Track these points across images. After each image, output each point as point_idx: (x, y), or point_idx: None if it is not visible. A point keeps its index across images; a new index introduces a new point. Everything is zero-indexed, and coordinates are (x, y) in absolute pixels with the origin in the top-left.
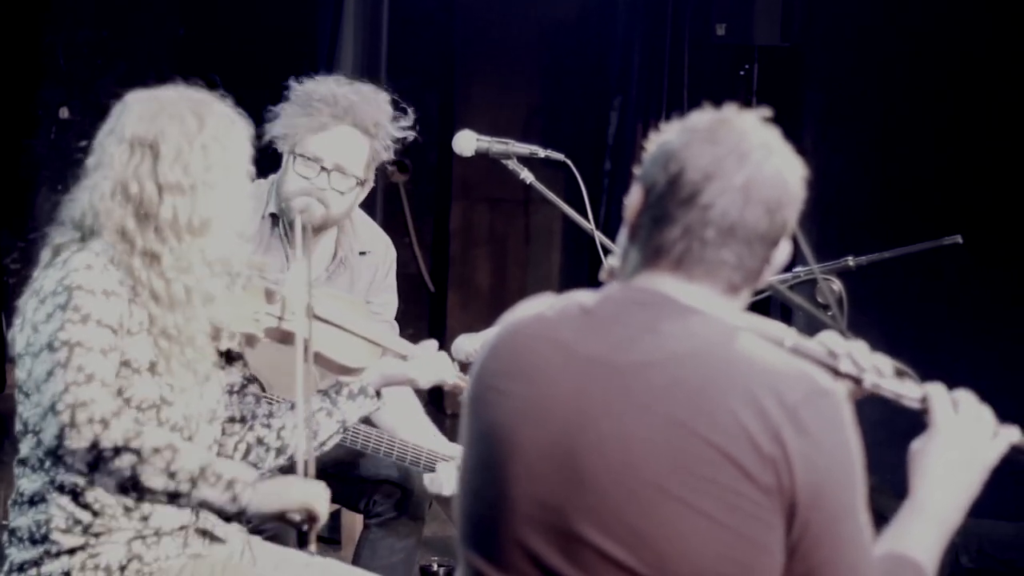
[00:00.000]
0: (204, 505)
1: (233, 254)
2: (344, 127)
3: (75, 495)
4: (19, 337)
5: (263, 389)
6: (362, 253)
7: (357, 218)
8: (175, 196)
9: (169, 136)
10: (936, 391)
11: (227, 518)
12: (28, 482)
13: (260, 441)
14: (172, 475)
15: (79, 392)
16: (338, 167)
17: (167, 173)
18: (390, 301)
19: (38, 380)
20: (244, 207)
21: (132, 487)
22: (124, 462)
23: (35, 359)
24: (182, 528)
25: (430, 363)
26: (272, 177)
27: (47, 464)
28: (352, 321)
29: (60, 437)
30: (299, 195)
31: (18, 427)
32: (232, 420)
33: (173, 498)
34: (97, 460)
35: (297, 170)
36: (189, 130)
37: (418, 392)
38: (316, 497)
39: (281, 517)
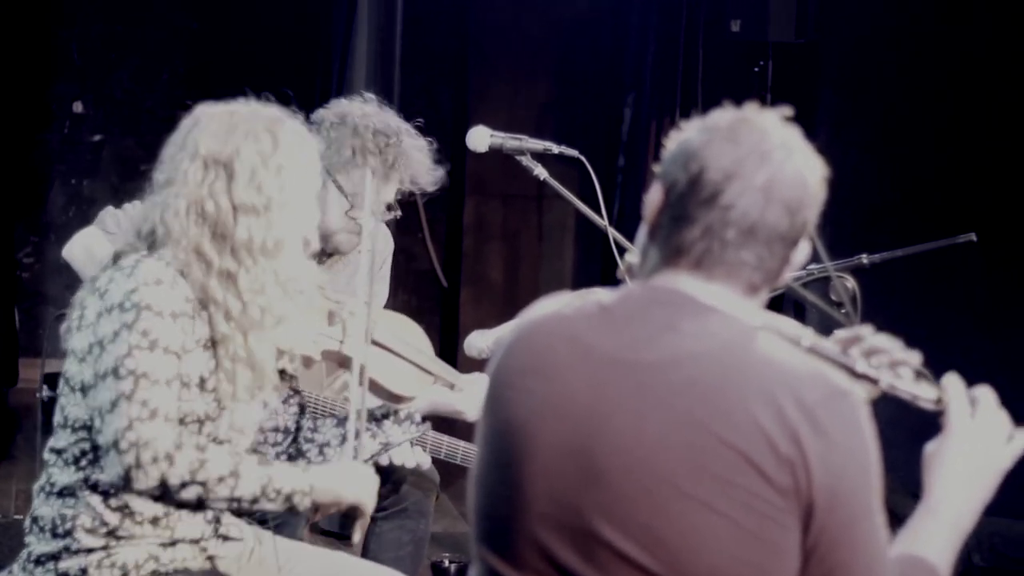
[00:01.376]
0: (257, 513)
1: (304, 274)
2: (390, 180)
3: (107, 496)
4: (77, 336)
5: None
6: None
7: None
8: (250, 216)
9: (244, 155)
10: (954, 390)
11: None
12: (60, 473)
13: (302, 454)
14: (236, 499)
15: (143, 430)
16: (381, 209)
17: (242, 193)
18: (381, 291)
19: (102, 407)
20: (314, 226)
21: (197, 509)
22: (191, 493)
23: (100, 381)
24: (200, 539)
25: (479, 395)
26: None
27: (83, 462)
28: (407, 348)
29: (126, 478)
30: (343, 231)
31: (58, 418)
32: (276, 430)
33: (236, 513)
34: (164, 494)
35: (343, 207)
36: (264, 149)
37: None
38: (367, 495)
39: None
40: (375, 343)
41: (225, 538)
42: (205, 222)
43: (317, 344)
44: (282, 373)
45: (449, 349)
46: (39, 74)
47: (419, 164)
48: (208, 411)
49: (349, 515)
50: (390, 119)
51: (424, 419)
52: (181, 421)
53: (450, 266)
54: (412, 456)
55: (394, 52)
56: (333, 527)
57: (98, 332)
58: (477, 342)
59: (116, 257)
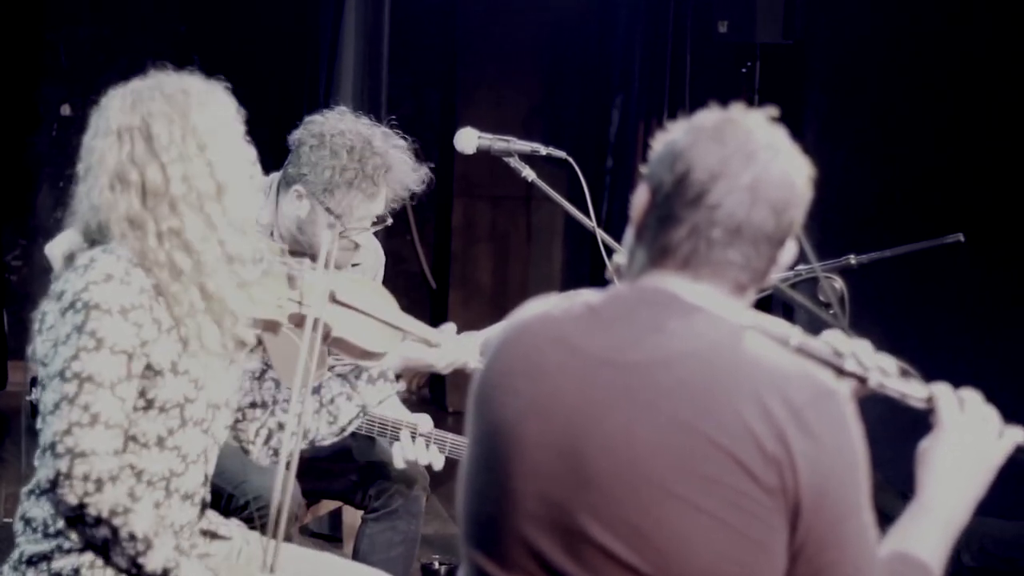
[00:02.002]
0: None
1: (256, 211)
2: (380, 197)
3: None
4: (39, 342)
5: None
6: (355, 265)
7: None
8: (183, 166)
9: (157, 114)
10: (942, 391)
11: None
12: (48, 473)
13: (281, 427)
14: (136, 566)
15: (81, 437)
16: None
17: (167, 147)
18: None
19: (46, 408)
20: (251, 161)
21: (95, 551)
22: (99, 532)
23: (49, 382)
24: (187, 524)
25: (451, 347)
26: (274, 176)
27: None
28: (374, 306)
29: (54, 482)
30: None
31: (40, 422)
32: (253, 405)
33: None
34: (77, 518)
35: (331, 226)
36: (176, 102)
37: (420, 392)
38: None
39: None
40: (340, 303)
41: (214, 536)
42: (131, 188)
43: (282, 309)
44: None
45: None
46: (27, 77)
47: (402, 170)
48: (187, 394)
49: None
50: (366, 131)
51: (398, 377)
52: (162, 408)
53: (439, 268)
54: (426, 454)
55: (381, 54)
56: (323, 529)
57: (55, 335)
58: None
59: (69, 258)
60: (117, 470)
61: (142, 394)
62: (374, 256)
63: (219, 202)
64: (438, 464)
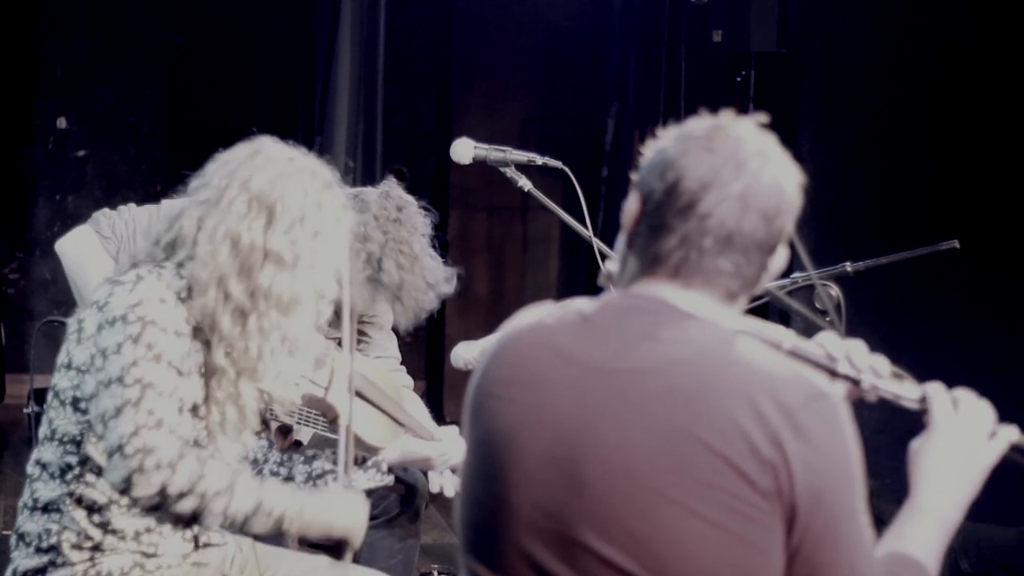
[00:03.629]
0: (246, 531)
1: (309, 339)
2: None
3: (91, 511)
4: (77, 349)
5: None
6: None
7: None
8: (276, 266)
9: (289, 205)
10: (935, 390)
11: None
12: (44, 488)
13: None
14: (228, 516)
15: (149, 437)
16: None
17: (276, 241)
18: (391, 347)
19: (105, 413)
20: (330, 298)
21: (191, 523)
22: (188, 504)
23: (104, 389)
24: (184, 556)
25: (450, 448)
26: None
27: (69, 476)
28: (383, 398)
29: (128, 481)
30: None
31: (45, 431)
32: (244, 459)
33: (226, 527)
34: (163, 503)
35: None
36: (308, 207)
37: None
38: (357, 526)
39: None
40: (358, 395)
41: (207, 545)
42: (237, 255)
43: (299, 387)
44: (264, 419)
45: (435, 361)
46: (22, 90)
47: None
48: (198, 439)
49: (338, 544)
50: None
51: (390, 470)
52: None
53: None
54: (451, 484)
55: (377, 65)
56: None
57: (99, 343)
58: (463, 353)
59: (133, 266)
60: (182, 450)
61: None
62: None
63: (285, 315)
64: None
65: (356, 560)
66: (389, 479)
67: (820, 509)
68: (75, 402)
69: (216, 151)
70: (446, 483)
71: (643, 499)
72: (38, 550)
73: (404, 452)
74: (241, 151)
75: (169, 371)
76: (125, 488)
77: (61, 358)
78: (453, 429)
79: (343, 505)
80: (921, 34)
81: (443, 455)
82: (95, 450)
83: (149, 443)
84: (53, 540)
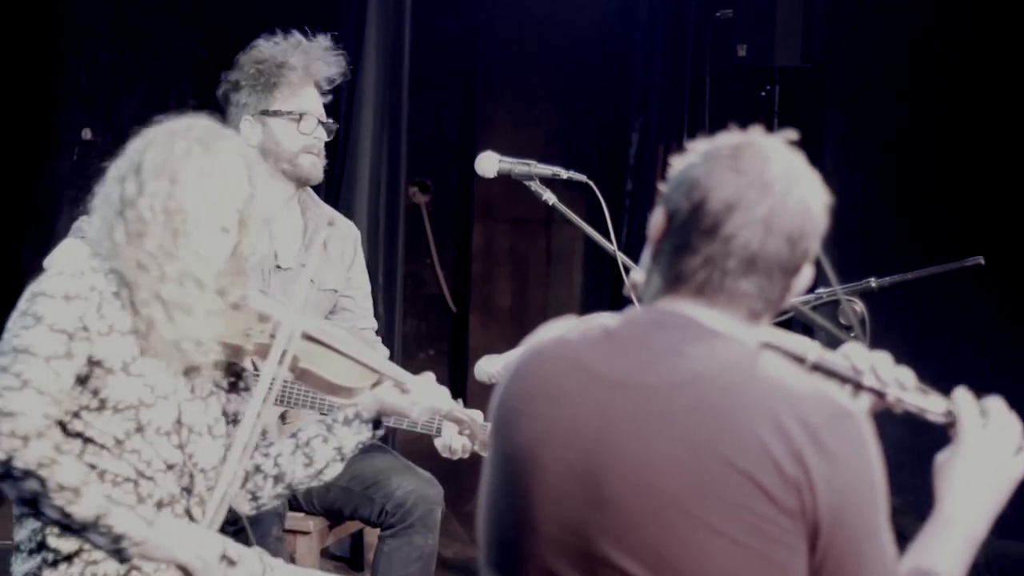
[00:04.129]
0: (90, 542)
1: (221, 253)
2: (308, 81)
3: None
4: None
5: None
6: (330, 223)
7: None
8: (158, 188)
9: (153, 156)
10: (964, 401)
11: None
12: (26, 524)
13: (258, 469)
14: (66, 515)
15: (10, 399)
16: (323, 119)
17: (151, 178)
18: (361, 278)
19: None
20: (225, 221)
21: (30, 507)
22: (28, 486)
23: None
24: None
25: (426, 395)
26: None
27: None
28: (347, 344)
29: None
30: (303, 153)
31: None
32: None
33: (64, 528)
34: (5, 474)
35: (291, 128)
36: (172, 151)
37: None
38: (203, 562)
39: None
40: (312, 339)
41: (231, 563)
42: (127, 220)
43: (250, 337)
44: (234, 384)
45: (458, 374)
46: (48, 101)
47: (315, 54)
48: (142, 397)
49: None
50: (269, 40)
51: (376, 423)
52: (115, 408)
53: (459, 291)
54: (460, 444)
55: (402, 78)
56: (345, 552)
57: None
58: (487, 367)
59: None
60: (44, 428)
61: (95, 393)
62: (347, 223)
63: (180, 239)
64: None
65: (374, 572)
66: (380, 432)
67: (843, 527)
68: None
69: None
70: (454, 442)
71: (666, 515)
72: (30, 553)
73: (380, 402)
74: (134, 142)
75: (52, 335)
76: None
77: None
78: (429, 376)
79: (195, 539)
80: (947, 49)
81: (419, 405)
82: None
83: (10, 407)
84: (39, 538)
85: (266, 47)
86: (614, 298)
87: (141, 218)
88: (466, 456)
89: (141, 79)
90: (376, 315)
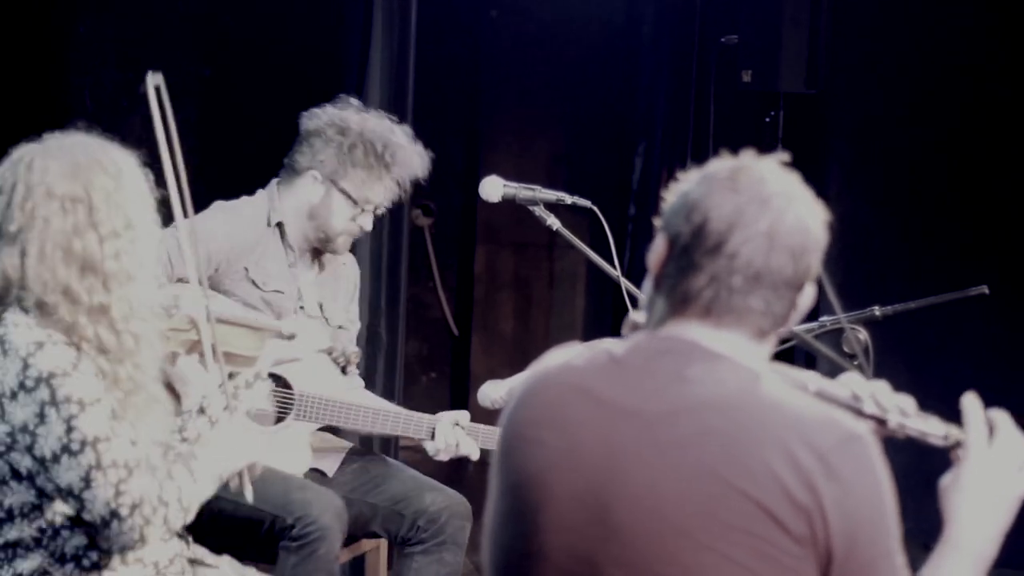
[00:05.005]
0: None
1: (156, 295)
2: (391, 178)
3: (78, 560)
4: None
5: None
6: (343, 264)
7: None
8: (116, 242)
9: (96, 184)
10: (972, 413)
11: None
12: (24, 561)
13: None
14: (202, 503)
15: (132, 489)
16: (379, 210)
17: (105, 221)
18: (357, 313)
19: (72, 487)
20: (159, 241)
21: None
22: (179, 520)
23: (54, 465)
24: (178, 563)
25: (309, 336)
26: (275, 183)
27: (45, 540)
28: (238, 314)
29: (142, 536)
30: (343, 234)
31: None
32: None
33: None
34: (169, 531)
35: (348, 212)
36: (111, 175)
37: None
38: (255, 449)
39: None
40: (220, 320)
41: (201, 564)
42: (73, 260)
43: (171, 340)
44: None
45: (460, 397)
46: (51, 120)
47: (410, 153)
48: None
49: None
50: (374, 118)
51: (271, 376)
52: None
53: (461, 315)
54: (466, 440)
55: (406, 102)
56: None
57: (14, 421)
58: (491, 392)
59: None
60: (157, 481)
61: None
62: (352, 260)
63: (137, 282)
64: (475, 454)
65: None
66: (268, 383)
67: (857, 553)
68: (15, 475)
69: (245, 183)
70: (438, 442)
71: (674, 543)
72: None
73: (276, 359)
74: (14, 173)
75: (96, 408)
76: (140, 543)
77: None
78: (299, 322)
79: (250, 439)
80: (952, 76)
81: (304, 344)
82: (61, 504)
83: (135, 494)
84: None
85: (375, 124)
86: (617, 323)
87: (104, 280)
88: (452, 457)
89: (145, 98)
90: (378, 338)
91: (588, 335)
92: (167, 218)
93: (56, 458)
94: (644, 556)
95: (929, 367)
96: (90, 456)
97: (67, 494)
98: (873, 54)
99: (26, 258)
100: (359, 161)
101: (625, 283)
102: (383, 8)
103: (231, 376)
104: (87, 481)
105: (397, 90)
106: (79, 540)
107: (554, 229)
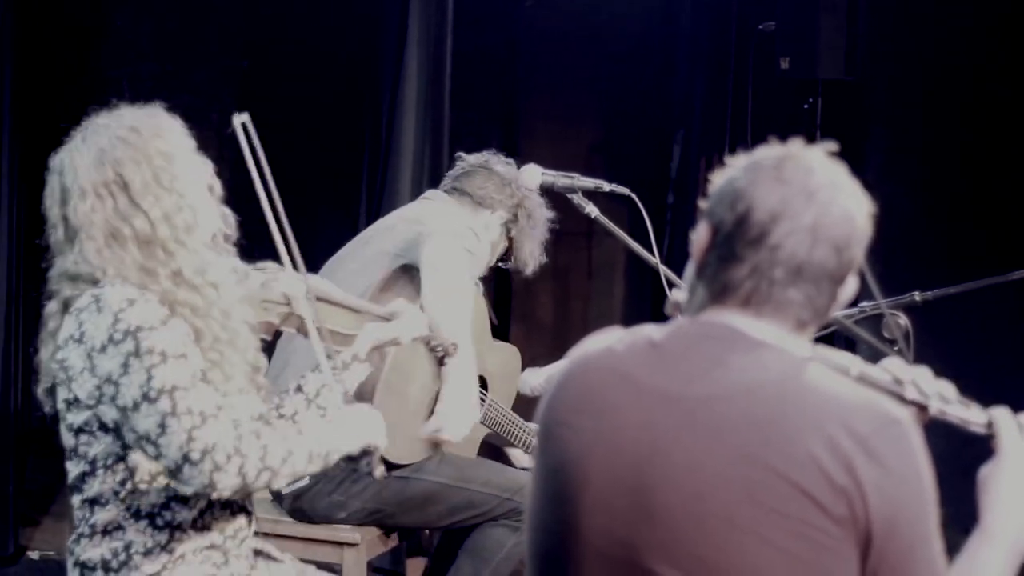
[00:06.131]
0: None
1: (218, 226)
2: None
3: (152, 518)
4: (76, 386)
5: None
6: None
7: None
8: (161, 206)
9: (124, 160)
10: (1002, 415)
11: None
12: (102, 514)
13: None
14: (295, 474)
15: (205, 435)
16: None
17: (144, 192)
18: None
19: (150, 434)
20: (209, 173)
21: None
22: (262, 481)
23: (133, 412)
24: (242, 536)
25: (410, 321)
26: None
27: (123, 493)
28: (338, 294)
29: (211, 483)
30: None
31: (83, 468)
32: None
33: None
34: (244, 487)
35: (500, 256)
36: (133, 143)
37: None
38: (380, 430)
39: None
40: (320, 299)
41: (268, 557)
42: (130, 241)
43: (268, 311)
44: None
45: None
46: (90, 113)
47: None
48: (219, 403)
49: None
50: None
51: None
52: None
53: (500, 303)
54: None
55: (443, 91)
56: (384, 564)
57: (99, 372)
58: (530, 380)
59: (65, 304)
60: (237, 433)
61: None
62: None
63: (196, 230)
64: None
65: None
66: (368, 367)
67: (896, 535)
68: (102, 426)
69: (282, 173)
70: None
71: (714, 527)
72: (107, 570)
73: (375, 339)
74: (50, 183)
75: (178, 363)
76: (209, 491)
77: (63, 398)
78: (400, 301)
79: (367, 420)
80: (990, 61)
81: (406, 329)
82: (142, 457)
83: (210, 440)
84: (122, 557)
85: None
86: (656, 311)
87: (164, 247)
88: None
89: (183, 91)
90: None
91: (627, 323)
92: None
93: (136, 406)
94: (684, 540)
95: (969, 353)
96: (166, 403)
97: (145, 440)
98: (912, 40)
99: (88, 253)
100: (531, 228)
101: (664, 271)
102: None
103: (335, 364)
104: (163, 427)
105: (434, 80)
106: (155, 498)
107: (593, 217)
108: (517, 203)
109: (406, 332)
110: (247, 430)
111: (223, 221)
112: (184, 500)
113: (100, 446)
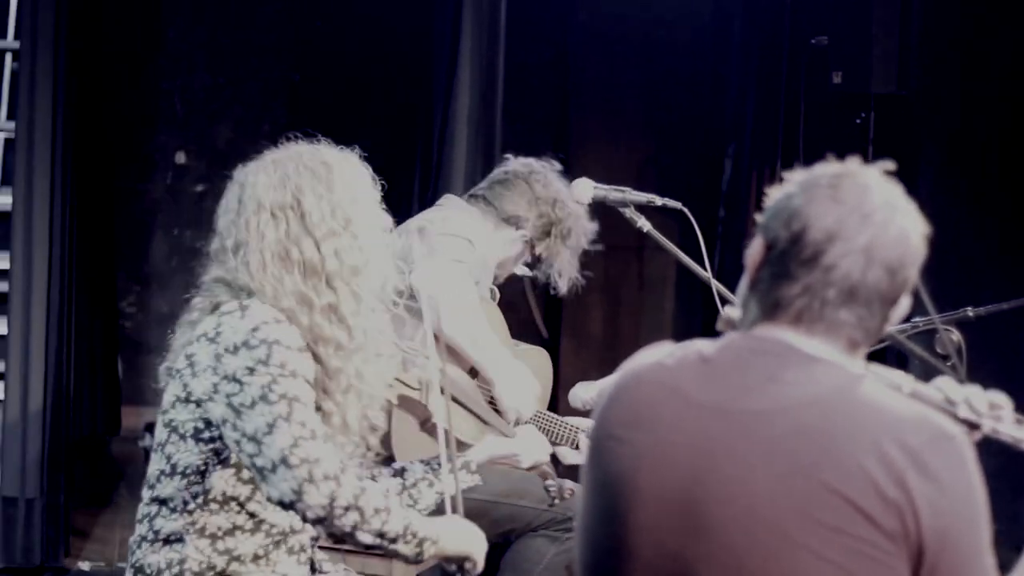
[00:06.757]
0: (389, 554)
1: (387, 281)
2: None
3: (214, 539)
4: (194, 382)
5: None
6: None
7: None
8: (333, 242)
9: (306, 189)
10: None
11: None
12: (166, 521)
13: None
14: (383, 535)
15: (310, 448)
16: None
17: (319, 224)
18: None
19: (256, 432)
20: (387, 230)
21: (346, 540)
22: (349, 520)
23: (247, 411)
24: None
25: (533, 444)
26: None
27: (192, 506)
28: (467, 397)
29: (299, 491)
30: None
31: (162, 467)
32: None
33: (371, 548)
34: (328, 515)
35: (522, 267)
36: (320, 176)
37: None
38: (481, 547)
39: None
40: (453, 398)
41: (322, 573)
42: (293, 266)
43: (392, 388)
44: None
45: (550, 399)
46: (142, 124)
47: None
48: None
49: (461, 567)
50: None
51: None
52: (261, 528)
53: (551, 317)
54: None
55: (495, 104)
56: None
57: (224, 371)
58: (582, 394)
59: (215, 307)
60: (343, 465)
61: None
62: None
63: (364, 275)
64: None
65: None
66: (477, 479)
67: (948, 550)
68: (196, 433)
69: None
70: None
71: (766, 541)
72: None
73: (491, 453)
74: (230, 191)
75: (305, 385)
76: (294, 500)
77: (174, 392)
78: (529, 428)
79: (469, 531)
80: None
81: (528, 453)
82: (220, 478)
83: (312, 454)
84: (176, 570)
85: (581, 220)
86: (707, 325)
87: (328, 280)
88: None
89: (235, 103)
90: None
91: (678, 338)
92: None
93: (252, 404)
94: (736, 554)
95: (1022, 368)
96: (283, 408)
97: (247, 439)
98: (965, 54)
99: (249, 268)
100: (561, 236)
101: (716, 285)
102: (472, 11)
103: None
104: (272, 427)
105: (486, 93)
106: (222, 521)
107: (644, 231)
108: (549, 222)
109: (527, 454)
110: (352, 470)
111: (395, 275)
112: (250, 531)
113: (184, 454)
